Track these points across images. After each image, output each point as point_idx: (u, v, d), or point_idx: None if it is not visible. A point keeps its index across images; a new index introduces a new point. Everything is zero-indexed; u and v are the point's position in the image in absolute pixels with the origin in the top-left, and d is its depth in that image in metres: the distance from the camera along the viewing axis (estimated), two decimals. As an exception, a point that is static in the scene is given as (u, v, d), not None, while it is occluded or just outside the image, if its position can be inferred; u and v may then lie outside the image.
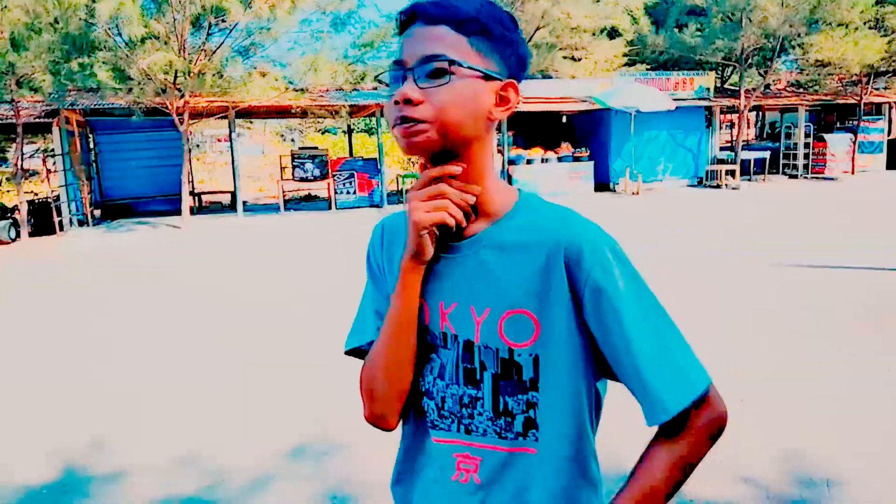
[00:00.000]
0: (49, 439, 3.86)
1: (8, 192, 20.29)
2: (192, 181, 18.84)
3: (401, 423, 1.09)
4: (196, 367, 5.11)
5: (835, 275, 7.08)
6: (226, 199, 19.51)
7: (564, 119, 18.55)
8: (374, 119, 19.15)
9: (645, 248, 8.85)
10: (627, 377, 0.92)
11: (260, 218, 15.52)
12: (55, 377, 5.03)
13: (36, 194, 16.24)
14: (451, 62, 0.91)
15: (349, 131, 21.94)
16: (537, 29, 17.59)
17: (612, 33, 19.91)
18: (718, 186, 17.97)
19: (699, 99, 18.74)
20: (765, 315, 5.67)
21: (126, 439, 3.81)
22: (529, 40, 15.92)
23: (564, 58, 19.02)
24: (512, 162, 17.18)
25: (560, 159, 17.52)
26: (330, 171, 16.49)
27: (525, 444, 0.98)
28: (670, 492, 0.90)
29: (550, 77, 18.64)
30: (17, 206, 13.93)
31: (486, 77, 0.94)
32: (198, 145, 28.24)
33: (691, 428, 0.90)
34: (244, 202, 16.80)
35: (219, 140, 31.78)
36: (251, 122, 29.87)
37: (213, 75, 14.06)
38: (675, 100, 17.14)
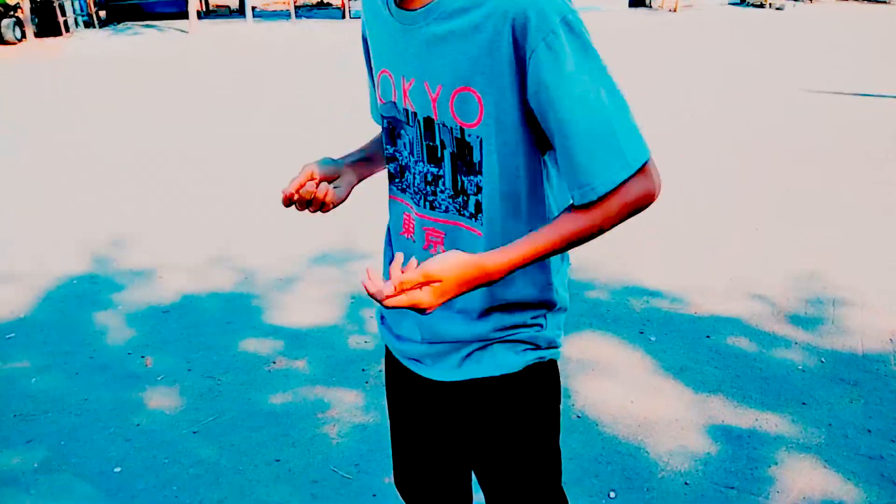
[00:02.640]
0: (77, 233, 3.98)
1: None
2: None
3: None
4: (221, 172, 5.13)
5: (872, 104, 6.75)
6: (233, 2, 18.45)
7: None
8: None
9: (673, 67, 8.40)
10: (561, 156, 0.88)
11: (269, 24, 14.76)
12: (80, 173, 5.09)
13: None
14: None
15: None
16: None
17: None
18: (762, 6, 16.67)
19: None
20: (789, 136, 5.49)
21: (154, 238, 3.92)
22: None
23: None
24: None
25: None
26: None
27: (475, 224, 0.98)
28: (556, 250, 0.90)
29: None
30: (19, 3, 13.27)
31: None
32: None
33: (613, 199, 0.87)
34: (253, 7, 15.90)
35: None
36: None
37: None
38: None
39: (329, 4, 17.95)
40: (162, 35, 13.43)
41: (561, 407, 1.14)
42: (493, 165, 0.93)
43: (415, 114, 0.98)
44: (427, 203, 1.02)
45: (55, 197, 4.71)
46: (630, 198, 0.87)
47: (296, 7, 15.68)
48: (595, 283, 3.21)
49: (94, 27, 14.34)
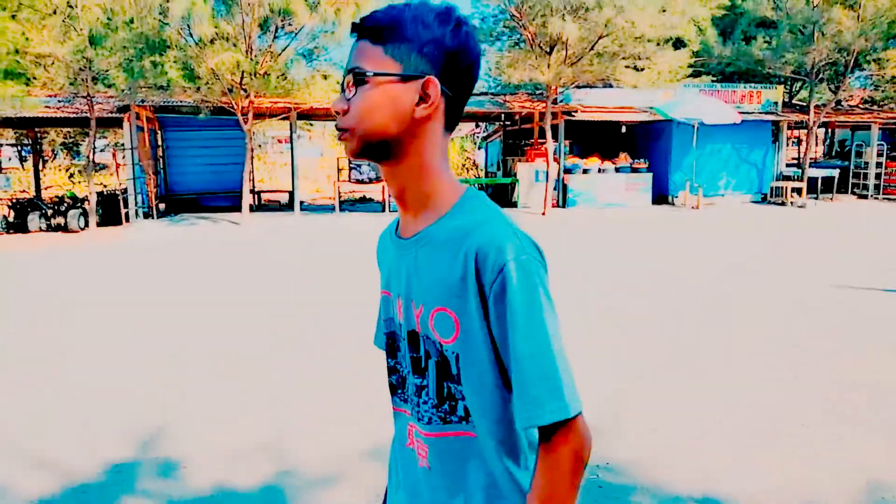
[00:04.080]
0: (116, 418, 3.97)
1: (79, 183, 21.16)
2: (253, 179, 19.29)
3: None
4: (256, 357, 5.20)
5: (911, 300, 6.71)
6: (284, 198, 19.92)
7: (624, 129, 18.25)
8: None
9: (700, 265, 8.58)
10: (511, 384, 0.98)
11: (315, 217, 15.77)
12: (124, 352, 5.19)
13: (105, 186, 16.91)
14: (361, 74, 1.00)
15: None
16: (600, 38, 17.37)
17: (678, 43, 19.49)
18: (783, 204, 17.36)
19: (766, 113, 18.16)
20: (822, 335, 5.41)
21: (194, 426, 3.88)
22: (591, 48, 15.72)
23: (627, 67, 18.71)
24: (568, 171, 17.00)
25: (617, 170, 17.24)
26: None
27: (467, 427, 1.04)
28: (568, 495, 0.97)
29: (611, 86, 18.37)
30: (87, 196, 14.51)
31: (403, 78, 1.00)
32: (259, 145, 28.94)
33: (551, 452, 0.95)
34: (301, 201, 17.11)
35: (279, 141, 32.57)
36: (311, 125, 30.42)
37: (278, 77, 14.40)
38: (740, 113, 16.65)
39: (371, 199, 19.23)
40: (215, 225, 14.39)
41: None
42: (470, 377, 1.01)
43: (406, 327, 1.09)
44: (416, 413, 1.10)
45: (98, 377, 4.78)
46: (561, 451, 0.95)
47: (340, 201, 16.84)
48: (636, 488, 3.03)
49: (153, 218, 15.48)
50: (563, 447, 0.94)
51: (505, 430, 1.02)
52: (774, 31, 18.40)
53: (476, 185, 21.98)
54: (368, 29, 1.01)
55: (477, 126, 26.05)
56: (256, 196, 18.86)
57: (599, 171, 17.11)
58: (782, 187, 17.59)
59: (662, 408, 4.00)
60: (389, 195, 16.51)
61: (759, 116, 17.88)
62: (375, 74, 1.00)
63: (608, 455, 3.30)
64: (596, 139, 19.45)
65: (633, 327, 5.88)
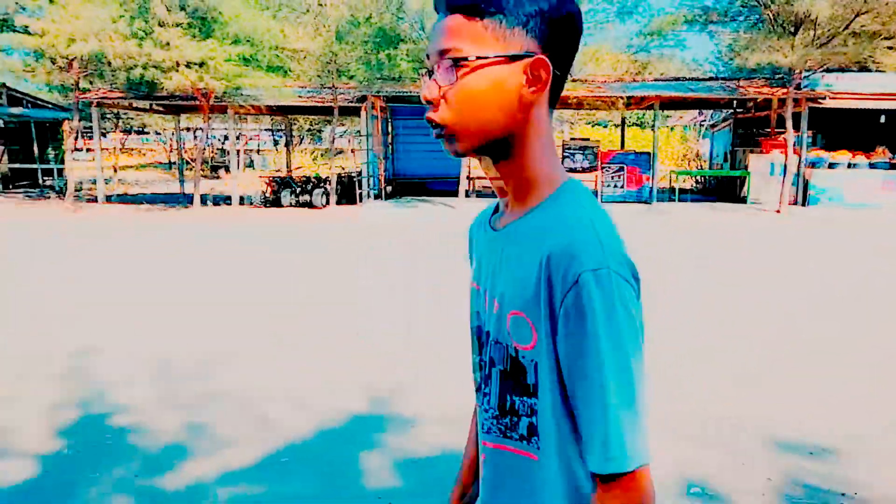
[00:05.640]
0: (363, 378, 4.46)
1: (321, 165, 23.64)
2: (470, 167, 20.11)
3: None
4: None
5: None
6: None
7: (883, 119, 15.91)
8: (650, 112, 18.47)
9: None
10: (575, 410, 0.86)
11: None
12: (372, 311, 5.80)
13: (343, 169, 18.73)
14: (457, 60, 0.85)
15: (622, 124, 21.47)
16: (857, 14, 15.27)
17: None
18: None
19: None
20: None
21: (427, 388, 4.23)
22: (846, 27, 13.89)
23: (890, 48, 16.25)
24: (812, 164, 15.28)
25: (872, 165, 15.12)
26: (599, 163, 16.36)
27: (528, 448, 0.92)
28: None
29: (868, 70, 16.11)
30: (328, 178, 16.22)
31: (509, 59, 0.86)
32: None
33: (604, 502, 0.83)
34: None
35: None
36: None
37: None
38: None
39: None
40: (433, 208, 15.30)
41: None
42: (546, 390, 0.88)
43: (483, 325, 1.00)
44: (479, 420, 1.01)
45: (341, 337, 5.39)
46: (606, 497, 0.83)
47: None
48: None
49: (382, 199, 16.86)
50: (618, 501, 0.82)
51: (566, 458, 0.89)
52: None
53: (699, 178, 20.69)
54: (463, 0, 0.86)
55: (700, 113, 24.41)
56: (472, 182, 19.62)
57: (850, 166, 15.15)
58: None
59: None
60: (603, 184, 16.34)
61: None
62: (478, 58, 0.85)
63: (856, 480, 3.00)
64: (846, 130, 17.22)
65: None
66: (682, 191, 17.54)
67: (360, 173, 16.70)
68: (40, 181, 20.48)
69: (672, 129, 28.00)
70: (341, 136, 27.20)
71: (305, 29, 15.19)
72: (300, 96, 17.11)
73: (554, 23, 0.87)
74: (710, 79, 18.18)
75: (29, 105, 20.59)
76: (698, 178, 20.78)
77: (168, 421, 3.75)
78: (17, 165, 20.35)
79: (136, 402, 3.99)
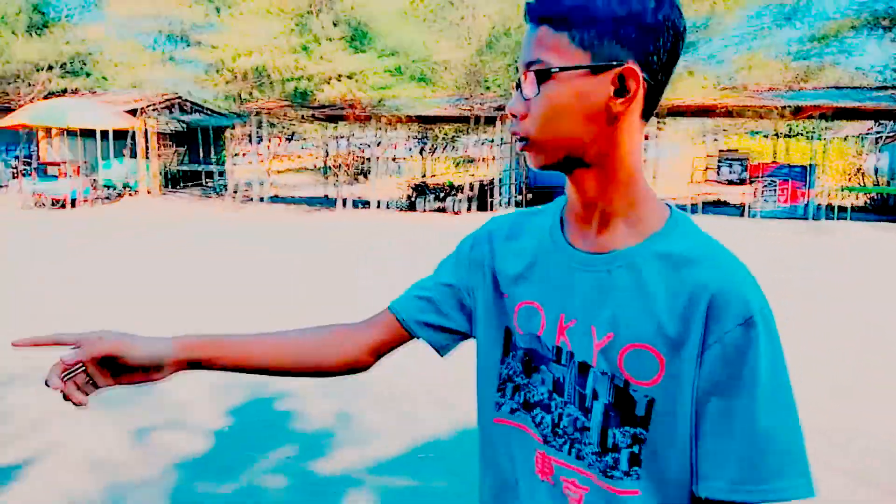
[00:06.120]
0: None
1: (457, 173, 24.14)
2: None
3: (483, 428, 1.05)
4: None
5: None
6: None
7: None
8: (812, 122, 17.13)
9: None
10: (731, 450, 0.81)
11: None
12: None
13: (479, 177, 19.03)
14: (541, 72, 0.83)
15: (778, 135, 20.08)
16: None
17: None
18: None
19: None
20: None
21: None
22: None
23: None
24: None
25: None
26: (749, 176, 15.41)
27: (629, 485, 0.87)
28: None
29: None
30: (462, 185, 16.55)
31: (594, 70, 0.82)
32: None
33: None
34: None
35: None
36: (664, 122, 29.69)
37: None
38: None
39: (726, 202, 18.02)
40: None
41: None
42: (661, 427, 0.85)
43: (571, 354, 0.91)
44: (574, 451, 0.92)
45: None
46: None
47: (692, 204, 16.16)
48: None
49: (521, 207, 16.95)
50: None
51: (677, 494, 0.87)
52: None
53: (875, 195, 18.87)
54: (549, 12, 0.84)
55: (878, 124, 22.21)
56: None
57: None
58: None
59: None
60: (754, 199, 15.34)
61: None
62: (562, 69, 0.83)
63: None
64: None
65: None
66: (846, 208, 16.07)
67: (492, 182, 16.87)
68: (204, 182, 22.56)
69: (829, 141, 25.74)
70: (478, 144, 27.63)
71: (453, 40, 15.63)
72: (439, 106, 17.60)
73: (647, 29, 0.82)
74: (880, 87, 16.57)
75: (197, 113, 22.76)
76: (874, 195, 18.91)
77: (322, 408, 4.00)
78: (185, 167, 22.56)
79: (296, 388, 4.28)
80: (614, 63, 0.82)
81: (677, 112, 18.39)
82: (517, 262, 0.99)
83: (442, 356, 1.10)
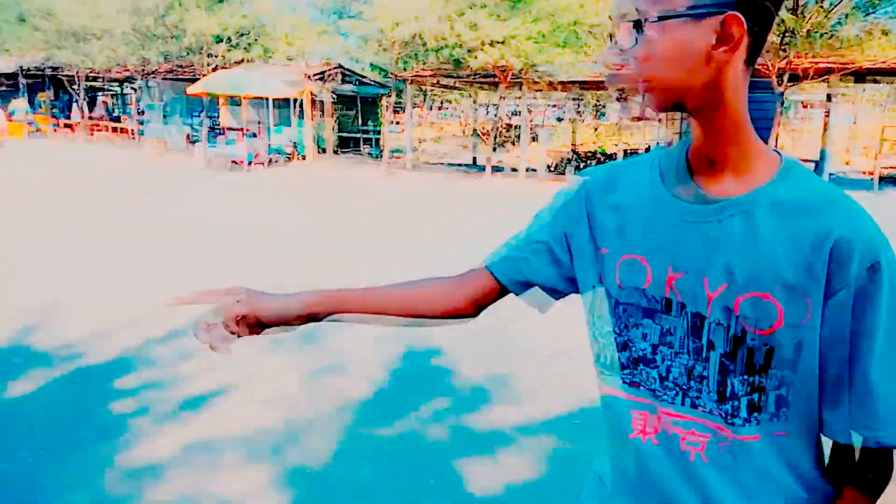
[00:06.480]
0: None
1: (607, 140, 23.39)
2: (777, 144, 18.21)
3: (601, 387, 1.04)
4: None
5: None
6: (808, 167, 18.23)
7: None
8: None
9: None
10: (852, 394, 0.84)
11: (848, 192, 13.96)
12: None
13: (629, 145, 18.33)
14: (637, 21, 0.81)
15: None
16: None
17: None
18: None
19: None
20: None
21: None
22: None
23: None
24: None
25: None
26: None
27: (750, 431, 0.88)
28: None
29: None
30: (614, 153, 16.03)
31: (696, 17, 0.79)
32: (781, 111, 26.90)
33: (874, 471, 0.87)
34: (829, 173, 15.35)
35: (804, 106, 29.63)
36: (846, 88, 26.67)
37: (822, 35, 12.99)
38: None
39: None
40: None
41: None
42: (779, 373, 0.86)
43: (682, 305, 0.89)
44: (688, 401, 0.91)
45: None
46: (875, 466, 0.86)
47: (880, 177, 14.48)
48: None
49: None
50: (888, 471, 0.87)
51: (808, 434, 0.89)
52: None
53: None
54: None
55: None
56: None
57: None
58: None
59: None
60: None
61: None
62: (661, 18, 0.80)
63: None
64: None
65: None
66: None
67: (648, 149, 16.17)
68: (362, 147, 23.67)
69: None
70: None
71: (602, 1, 15.00)
72: (594, 73, 17.02)
73: None
74: None
75: (356, 83, 23.80)
76: None
77: (477, 364, 4.13)
78: (344, 134, 23.77)
79: (450, 344, 4.44)
80: (716, 11, 0.79)
81: (869, 74, 16.47)
82: (616, 216, 0.97)
83: (542, 313, 1.13)
